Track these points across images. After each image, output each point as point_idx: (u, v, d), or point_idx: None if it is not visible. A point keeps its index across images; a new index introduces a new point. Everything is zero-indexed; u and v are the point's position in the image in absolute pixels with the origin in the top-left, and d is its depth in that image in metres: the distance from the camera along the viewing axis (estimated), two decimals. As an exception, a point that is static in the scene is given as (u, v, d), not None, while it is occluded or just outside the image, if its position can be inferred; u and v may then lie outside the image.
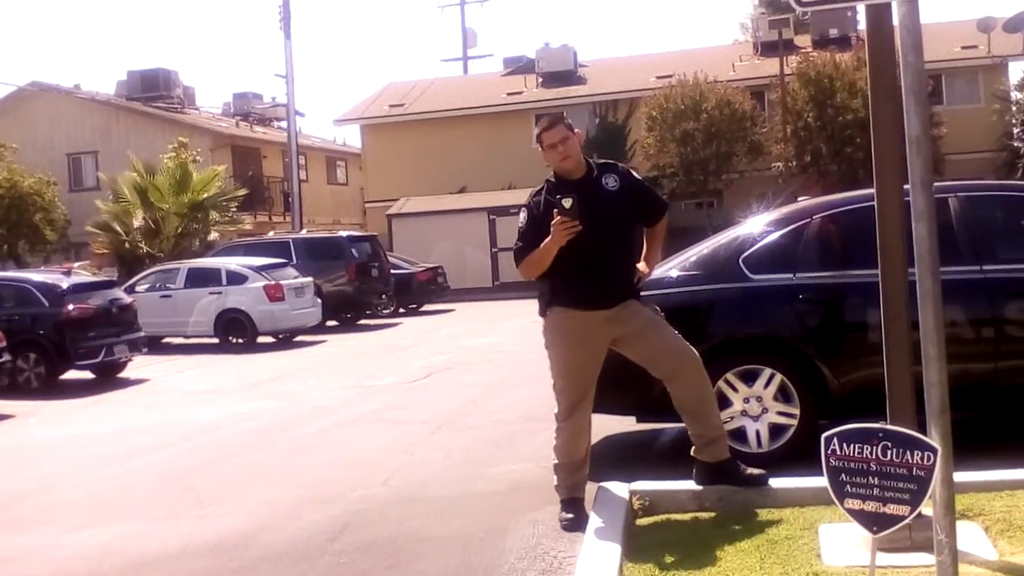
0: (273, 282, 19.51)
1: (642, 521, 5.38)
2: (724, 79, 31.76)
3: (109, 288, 16.64)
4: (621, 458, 7.14)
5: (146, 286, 20.66)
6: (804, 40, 34.59)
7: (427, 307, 27.07)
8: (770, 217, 7.09)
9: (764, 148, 30.76)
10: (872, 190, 4.47)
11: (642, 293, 6.64)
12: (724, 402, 6.47)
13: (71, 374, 15.15)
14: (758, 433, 6.44)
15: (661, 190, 31.67)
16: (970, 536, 4.48)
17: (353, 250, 23.63)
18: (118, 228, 28.02)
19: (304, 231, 28.62)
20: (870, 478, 3.44)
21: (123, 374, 15.63)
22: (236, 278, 19.80)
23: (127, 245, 27.76)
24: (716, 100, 30.34)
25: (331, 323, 22.40)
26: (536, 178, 6.30)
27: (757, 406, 6.45)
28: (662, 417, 6.48)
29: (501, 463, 7.36)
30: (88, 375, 15.36)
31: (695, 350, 5.54)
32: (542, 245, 5.26)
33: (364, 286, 23.39)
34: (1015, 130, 31.22)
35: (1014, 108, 31.16)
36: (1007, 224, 6.87)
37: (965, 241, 6.38)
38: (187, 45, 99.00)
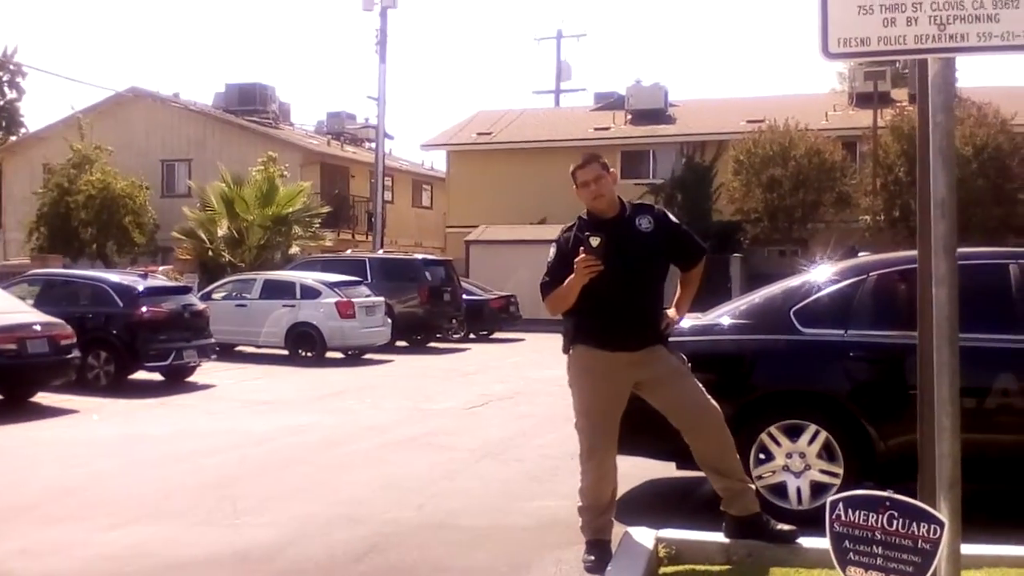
0: (345, 299, 19.72)
1: (665, 569, 5.28)
2: (816, 127, 31.40)
3: (183, 294, 16.98)
4: (657, 504, 7.05)
5: (223, 294, 21.06)
6: (901, 94, 34.03)
7: (498, 335, 27.12)
8: (827, 270, 6.96)
9: (852, 200, 30.28)
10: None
11: (692, 338, 6.62)
12: (767, 456, 6.36)
13: (140, 375, 15.47)
14: (799, 490, 6.29)
15: (744, 235, 31.59)
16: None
17: (427, 273, 23.79)
18: (203, 236, 28.61)
19: (381, 251, 28.89)
20: (874, 547, 3.33)
21: (191, 378, 15.90)
22: (310, 292, 20.06)
23: (210, 253, 28.32)
24: (806, 148, 29.99)
25: (401, 344, 22.56)
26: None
27: (800, 462, 6.30)
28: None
29: (537, 498, 7.31)
30: (157, 377, 15.67)
31: (717, 405, 5.44)
32: (566, 282, 5.23)
33: (435, 309, 23.52)
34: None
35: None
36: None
37: (1022, 309, 6.18)
38: (285, 62, 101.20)
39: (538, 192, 33.95)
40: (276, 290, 20.49)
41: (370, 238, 36.30)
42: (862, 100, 33.69)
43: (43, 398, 13.15)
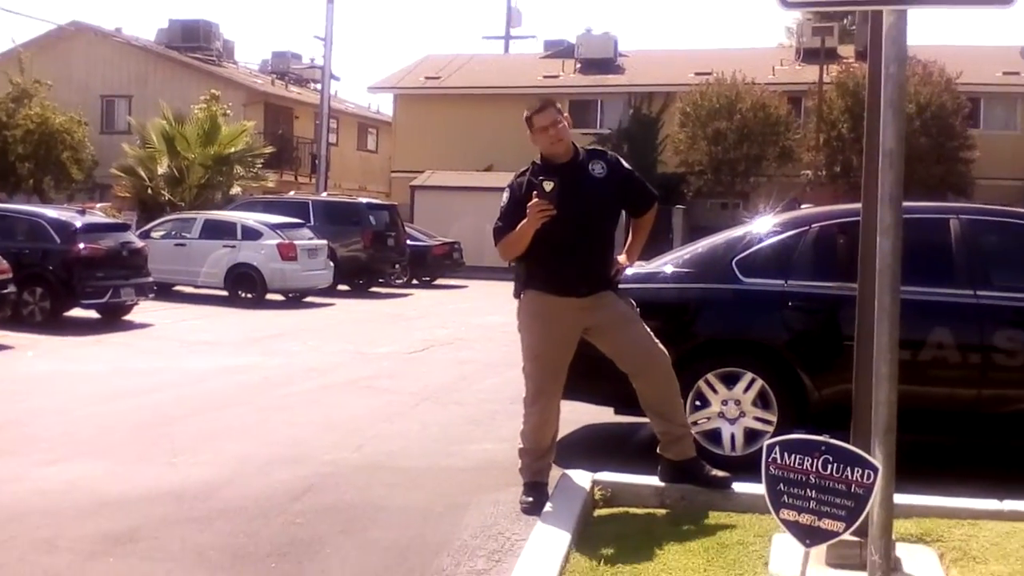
0: (287, 241, 19.54)
1: (600, 512, 5.35)
2: (763, 81, 31.56)
3: (122, 231, 16.74)
4: (595, 448, 7.11)
5: (162, 233, 20.79)
6: (848, 50, 34.27)
7: (441, 281, 27.10)
8: (769, 221, 7.02)
9: (795, 155, 30.58)
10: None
11: (635, 286, 6.64)
12: (703, 402, 6.44)
13: (76, 312, 15.25)
14: (733, 436, 6.39)
15: (688, 187, 31.76)
16: (923, 562, 4.42)
17: (371, 217, 23.64)
18: (142, 173, 28.14)
19: (325, 194, 28.63)
20: (808, 490, 3.39)
21: (128, 317, 15.72)
22: (251, 233, 19.85)
23: (149, 191, 27.90)
24: (752, 101, 30.20)
25: (343, 288, 22.46)
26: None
27: (735, 409, 6.39)
28: (641, 411, 6.44)
29: (476, 441, 7.35)
30: (93, 314, 15.45)
31: (665, 350, 5.50)
32: (518, 227, 5.23)
33: (379, 254, 23.40)
34: (1050, 160, 30.86)
35: (1052, 138, 30.79)
36: (1008, 251, 6.75)
37: (962, 264, 6.29)
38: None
39: (485, 139, 33.79)
40: (216, 230, 20.24)
41: (313, 181, 35.97)
42: (809, 56, 33.90)
43: (-24, 333, 12.93)
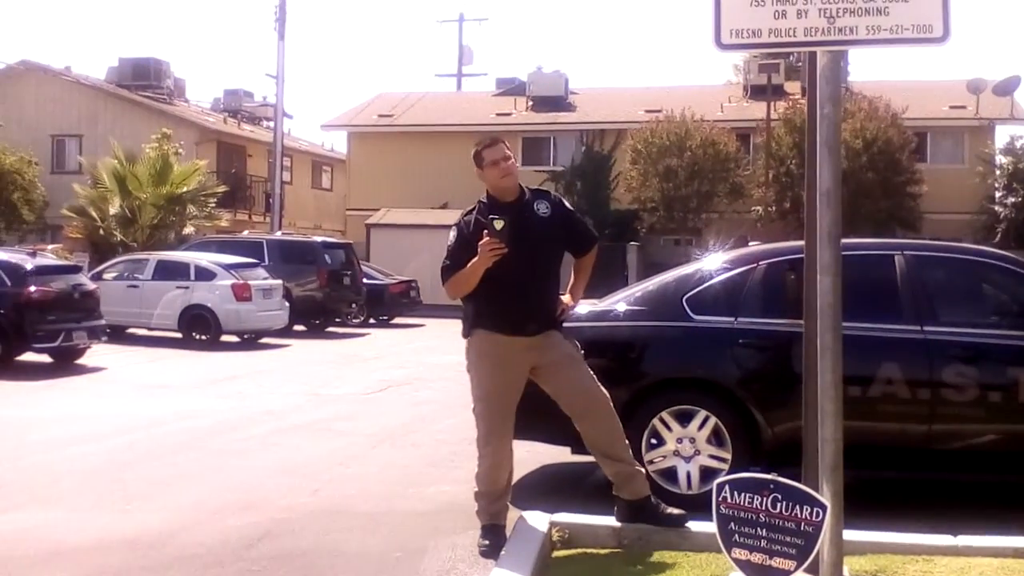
0: (241, 281, 19.44)
1: (559, 553, 5.37)
2: (712, 118, 31.95)
3: (73, 273, 16.58)
4: (552, 489, 7.14)
5: (114, 274, 20.61)
6: (794, 87, 34.80)
7: (398, 320, 27.03)
8: (719, 259, 7.12)
9: (745, 191, 30.92)
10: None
11: (588, 324, 6.73)
12: (658, 440, 6.48)
13: (28, 356, 15.04)
14: (688, 475, 6.43)
15: (641, 223, 32.03)
16: (876, 596, 4.48)
17: (327, 256, 23.57)
18: (94, 214, 27.93)
19: (279, 233, 28.54)
20: (759, 529, 3.44)
21: (81, 361, 15.53)
22: (204, 274, 19.71)
23: (101, 232, 27.69)
24: (701, 139, 30.54)
25: (299, 328, 22.31)
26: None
27: (690, 447, 6.44)
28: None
29: (434, 483, 7.34)
30: (45, 358, 15.26)
31: (606, 392, 5.54)
32: (468, 265, 5.27)
33: (335, 293, 23.32)
34: (997, 194, 31.43)
35: (998, 172, 31.35)
36: (953, 286, 6.89)
37: (908, 300, 6.42)
38: (181, 37, 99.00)
39: (440, 176, 33.86)
40: (170, 271, 20.08)
41: (268, 219, 35.80)
42: (756, 92, 34.37)
43: (-76, 380, 12.73)
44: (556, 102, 37.16)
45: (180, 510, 6.51)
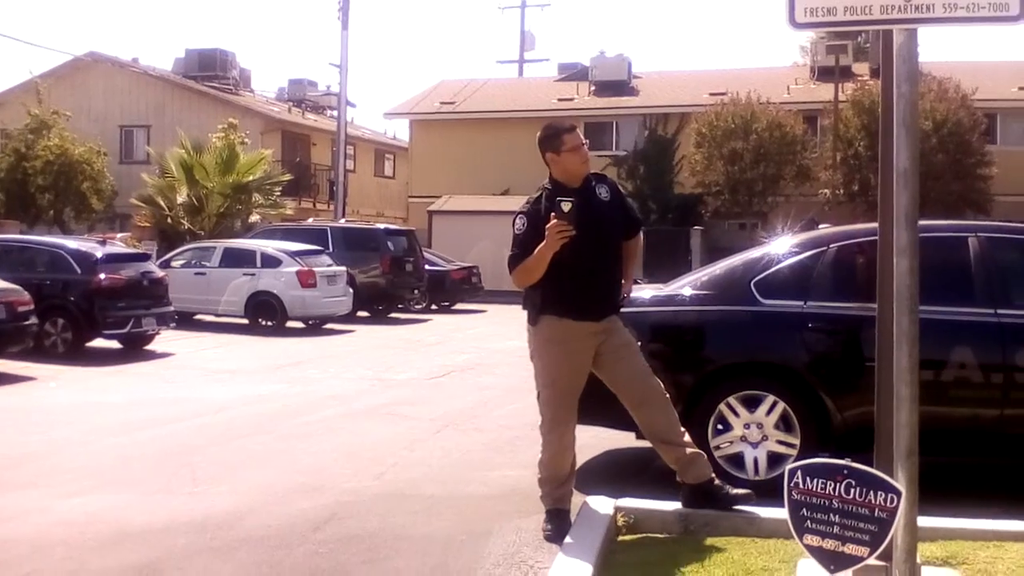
0: (306, 268, 19.61)
1: (624, 538, 5.32)
2: (778, 101, 31.53)
3: (142, 261, 16.85)
4: (617, 474, 7.09)
5: (182, 262, 20.89)
6: (862, 68, 34.23)
7: (460, 306, 27.10)
8: (787, 242, 7.00)
9: (812, 173, 30.50)
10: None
11: (654, 309, 6.67)
12: (725, 426, 6.41)
13: (98, 342, 15.32)
14: (756, 460, 6.35)
15: (705, 207, 31.74)
16: (949, 584, 4.38)
17: (389, 243, 23.68)
18: (162, 203, 28.28)
19: (343, 220, 28.73)
20: (831, 515, 3.37)
21: (149, 347, 15.77)
22: (270, 261, 19.92)
23: (169, 220, 28.03)
24: (767, 121, 30.16)
25: (362, 314, 22.47)
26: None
27: (758, 433, 6.35)
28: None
29: (497, 467, 7.34)
30: (115, 344, 15.52)
31: (659, 380, 5.51)
32: (536, 250, 5.23)
33: (397, 280, 23.42)
34: (1069, 175, 30.64)
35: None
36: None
37: (981, 283, 6.26)
38: (247, 28, 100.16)
39: (501, 163, 33.84)
40: (236, 258, 20.31)
41: (331, 207, 36.08)
42: (824, 74, 33.84)
43: (0, 365, 12.99)
44: (619, 86, 36.93)
45: (248, 493, 6.58)
